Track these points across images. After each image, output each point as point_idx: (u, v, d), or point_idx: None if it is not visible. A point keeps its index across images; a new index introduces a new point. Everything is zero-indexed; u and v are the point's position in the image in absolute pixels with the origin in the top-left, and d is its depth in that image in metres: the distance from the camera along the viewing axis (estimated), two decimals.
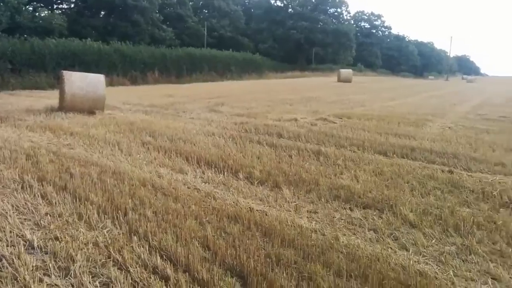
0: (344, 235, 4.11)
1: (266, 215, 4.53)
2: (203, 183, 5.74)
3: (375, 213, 4.73)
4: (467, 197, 5.29)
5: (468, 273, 3.40)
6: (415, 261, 3.58)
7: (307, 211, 4.81)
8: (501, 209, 4.87)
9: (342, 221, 4.53)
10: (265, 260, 3.40)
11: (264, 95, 21.83)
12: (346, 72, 41.40)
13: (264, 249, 3.65)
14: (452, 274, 3.38)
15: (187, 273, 3.19)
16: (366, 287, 3.04)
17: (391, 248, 3.84)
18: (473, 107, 18.44)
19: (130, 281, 3.07)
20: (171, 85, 29.92)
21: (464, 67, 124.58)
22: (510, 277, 3.34)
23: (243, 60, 45.22)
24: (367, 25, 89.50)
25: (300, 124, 11.38)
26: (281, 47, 59.35)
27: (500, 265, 3.54)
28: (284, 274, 3.18)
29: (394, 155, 7.60)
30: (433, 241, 4.02)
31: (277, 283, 3.05)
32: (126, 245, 3.64)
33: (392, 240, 4.06)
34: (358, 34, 77.21)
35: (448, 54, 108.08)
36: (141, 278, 3.11)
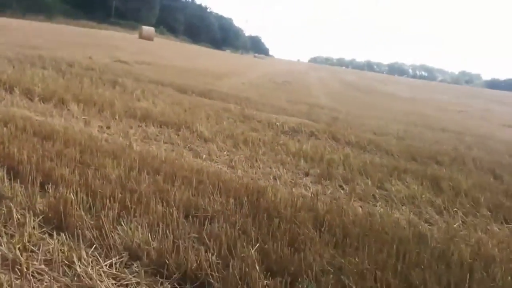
0: (138, 145, 3.89)
1: (48, 123, 3.90)
2: None
3: (171, 130, 4.66)
4: (255, 125, 5.72)
5: (254, 174, 3.65)
6: (208, 165, 3.64)
7: (99, 126, 4.39)
8: (282, 135, 5.44)
9: (137, 134, 4.30)
10: (43, 155, 2.90)
11: (54, 35, 19.23)
12: (148, 29, 40.21)
13: (43, 148, 3.11)
14: (240, 174, 3.56)
15: None
16: (158, 176, 2.90)
17: (186, 156, 3.81)
18: (263, 73, 20.44)
19: None
20: None
21: (256, 46, 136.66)
22: (287, 177, 3.72)
23: None
24: None
25: (96, 61, 10.42)
26: None
27: (280, 169, 3.92)
28: (66, 167, 2.77)
29: (193, 94, 7.69)
30: (225, 152, 4.18)
31: (57, 172, 2.63)
32: None
33: (188, 150, 4.06)
34: None
35: (244, 33, 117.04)
36: None
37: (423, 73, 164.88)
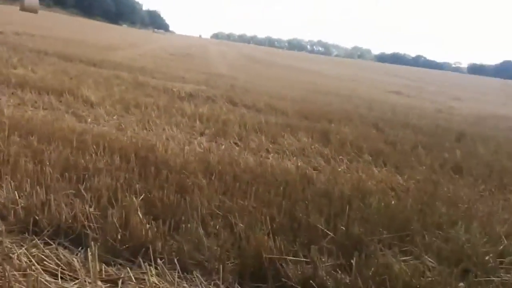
0: (11, 111, 3.48)
1: None
2: None
3: (52, 96, 4.25)
4: (150, 91, 5.49)
5: (146, 136, 3.49)
6: (93, 128, 3.40)
7: None
8: (178, 100, 5.29)
9: (11, 101, 3.86)
10: None
11: None
12: (31, 0, 36.20)
13: None
14: (130, 134, 3.38)
15: None
16: (32, 138, 2.63)
17: (67, 119, 3.51)
18: (162, 46, 19.74)
19: None
20: None
21: (155, 22, 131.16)
22: (182, 136, 3.62)
23: None
24: None
25: None
26: None
27: (175, 130, 3.80)
28: None
29: (82, 63, 7.13)
30: (115, 116, 3.94)
31: None
32: None
33: (70, 115, 3.75)
34: None
35: (142, 7, 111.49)
36: None
37: (320, 48, 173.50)
